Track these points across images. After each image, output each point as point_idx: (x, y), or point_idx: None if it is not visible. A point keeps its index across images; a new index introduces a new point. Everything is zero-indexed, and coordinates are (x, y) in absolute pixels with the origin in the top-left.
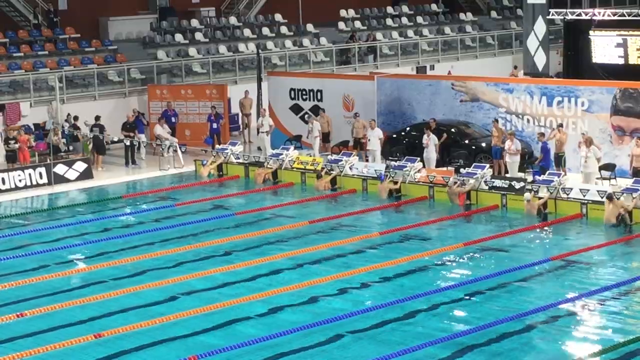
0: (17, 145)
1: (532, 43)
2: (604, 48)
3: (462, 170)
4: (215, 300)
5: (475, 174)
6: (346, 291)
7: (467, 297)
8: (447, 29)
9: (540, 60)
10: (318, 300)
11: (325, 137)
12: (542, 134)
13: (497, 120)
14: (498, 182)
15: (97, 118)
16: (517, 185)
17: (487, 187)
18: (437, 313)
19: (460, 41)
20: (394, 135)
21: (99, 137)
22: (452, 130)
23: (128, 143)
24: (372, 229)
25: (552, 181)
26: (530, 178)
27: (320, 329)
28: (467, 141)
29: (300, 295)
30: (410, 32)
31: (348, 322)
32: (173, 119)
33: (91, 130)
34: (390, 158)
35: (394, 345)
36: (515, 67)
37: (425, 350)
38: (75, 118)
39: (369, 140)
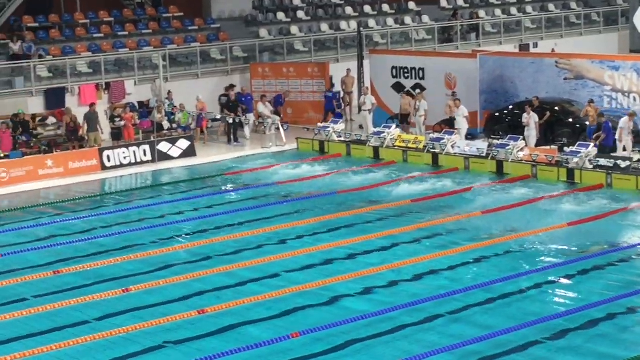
0: (122, 123)
1: (639, 19)
2: None
3: (565, 148)
4: (317, 278)
5: (580, 152)
6: (448, 270)
7: (571, 276)
8: (551, 6)
9: None
10: (422, 278)
11: (404, 118)
12: (602, 114)
13: (592, 101)
14: (603, 161)
15: (232, 87)
16: (623, 165)
17: (591, 166)
18: (542, 292)
19: (564, 18)
20: (497, 114)
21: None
22: (556, 108)
23: (231, 121)
24: (474, 208)
25: None
26: (636, 157)
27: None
28: (571, 119)
29: (399, 274)
30: (513, 10)
31: (455, 300)
32: (281, 103)
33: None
34: (492, 136)
35: (507, 320)
36: None
37: (528, 329)
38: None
39: (455, 119)
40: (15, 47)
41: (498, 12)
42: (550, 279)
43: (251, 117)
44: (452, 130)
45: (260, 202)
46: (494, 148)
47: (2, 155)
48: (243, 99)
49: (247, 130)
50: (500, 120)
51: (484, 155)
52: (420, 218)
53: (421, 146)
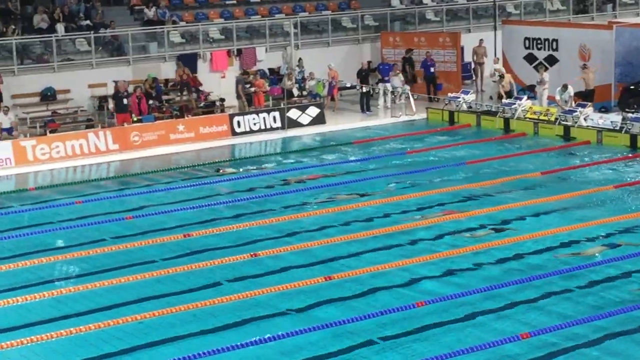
0: (252, 89)
1: None
2: None
3: None
4: (439, 249)
5: None
6: (573, 243)
7: None
8: None
9: None
10: (544, 251)
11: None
12: None
13: None
14: None
15: (410, 50)
16: None
17: None
18: None
19: None
20: (632, 87)
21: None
22: None
23: (365, 90)
24: (606, 182)
25: None
26: None
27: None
28: None
29: (531, 246)
30: None
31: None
32: (432, 69)
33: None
34: (627, 110)
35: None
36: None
37: None
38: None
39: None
40: (150, 13)
41: None
42: None
43: (389, 86)
44: (585, 103)
45: (388, 172)
46: (628, 121)
47: (135, 119)
48: (380, 67)
49: (380, 100)
50: (635, 93)
51: (618, 128)
52: (549, 192)
53: (553, 118)
